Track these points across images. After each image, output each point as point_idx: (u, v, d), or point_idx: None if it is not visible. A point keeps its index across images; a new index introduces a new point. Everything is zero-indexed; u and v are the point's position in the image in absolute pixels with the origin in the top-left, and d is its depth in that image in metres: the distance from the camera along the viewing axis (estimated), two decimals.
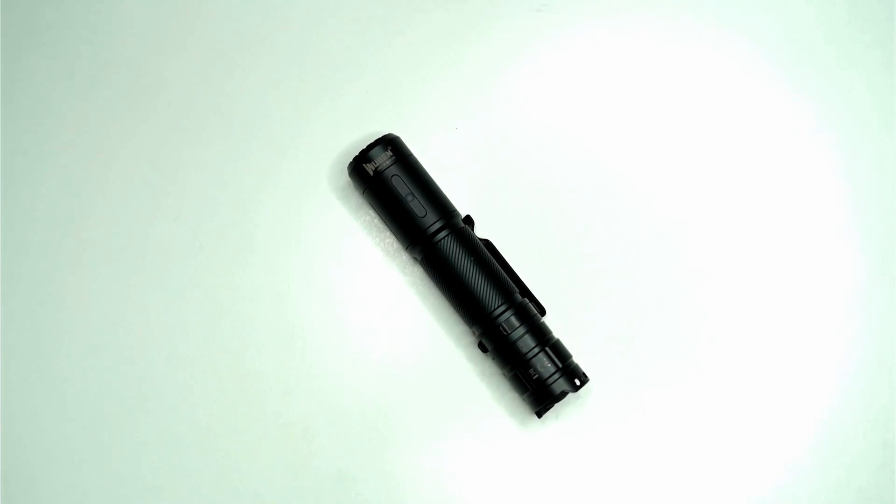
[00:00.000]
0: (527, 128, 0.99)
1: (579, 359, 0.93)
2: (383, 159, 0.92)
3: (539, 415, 0.91)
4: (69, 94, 0.99)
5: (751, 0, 1.03)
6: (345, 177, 0.97)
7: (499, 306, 0.91)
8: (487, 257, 0.93)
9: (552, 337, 0.92)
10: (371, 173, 0.92)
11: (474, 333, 0.94)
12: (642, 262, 0.97)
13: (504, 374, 0.92)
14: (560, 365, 0.90)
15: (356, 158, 0.93)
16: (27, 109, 0.98)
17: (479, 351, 0.94)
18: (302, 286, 0.96)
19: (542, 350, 0.90)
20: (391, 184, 0.92)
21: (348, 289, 0.96)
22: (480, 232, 0.96)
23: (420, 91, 1.00)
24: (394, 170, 0.92)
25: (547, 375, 0.90)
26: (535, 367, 0.90)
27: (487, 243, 0.94)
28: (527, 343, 0.90)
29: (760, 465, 0.94)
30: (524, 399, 0.92)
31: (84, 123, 0.98)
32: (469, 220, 0.95)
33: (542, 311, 0.94)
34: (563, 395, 0.90)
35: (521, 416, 0.94)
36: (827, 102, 1.01)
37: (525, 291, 0.94)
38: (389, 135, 0.94)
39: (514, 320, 0.91)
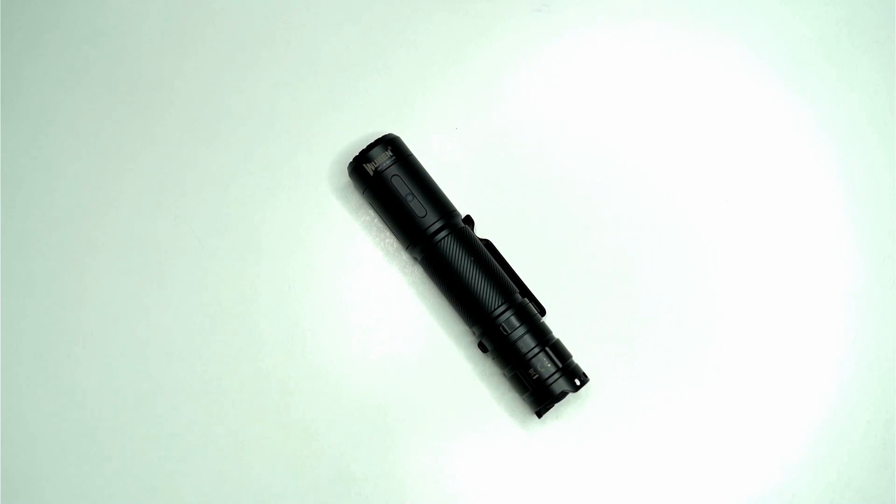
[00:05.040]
0: (527, 127, 0.99)
1: (579, 359, 0.93)
2: (383, 159, 0.92)
3: (539, 415, 0.91)
4: (71, 95, 0.99)
5: (750, 2, 1.03)
6: (345, 177, 0.97)
7: (499, 306, 0.91)
8: (487, 257, 0.93)
9: (552, 337, 0.92)
10: (371, 173, 0.92)
11: (474, 333, 0.94)
12: (642, 262, 0.97)
13: (504, 374, 0.92)
14: (560, 365, 0.90)
15: (356, 158, 0.93)
16: (30, 111, 0.98)
17: (479, 351, 0.94)
18: (302, 286, 0.96)
19: (542, 350, 0.90)
20: (391, 184, 0.92)
21: (348, 289, 0.96)
22: (480, 232, 0.96)
23: (420, 91, 1.00)
24: (394, 170, 0.92)
25: (547, 375, 0.90)
26: (535, 367, 0.90)
27: (487, 243, 0.94)
28: (527, 343, 0.90)
29: (760, 466, 0.94)
30: (524, 399, 0.92)
31: (85, 123, 0.98)
32: (469, 220, 0.95)
33: (542, 311, 0.94)
34: (563, 395, 0.90)
35: (521, 416, 0.94)
36: (826, 104, 1.01)
37: (525, 291, 0.94)
38: (389, 135, 0.94)
39: (514, 320, 0.91)
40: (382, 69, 1.00)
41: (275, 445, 0.93)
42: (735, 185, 0.99)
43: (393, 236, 0.96)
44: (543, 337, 0.91)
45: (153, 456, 0.93)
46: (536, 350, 0.90)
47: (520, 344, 0.90)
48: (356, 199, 0.97)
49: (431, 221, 0.92)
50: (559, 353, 0.91)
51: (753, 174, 0.99)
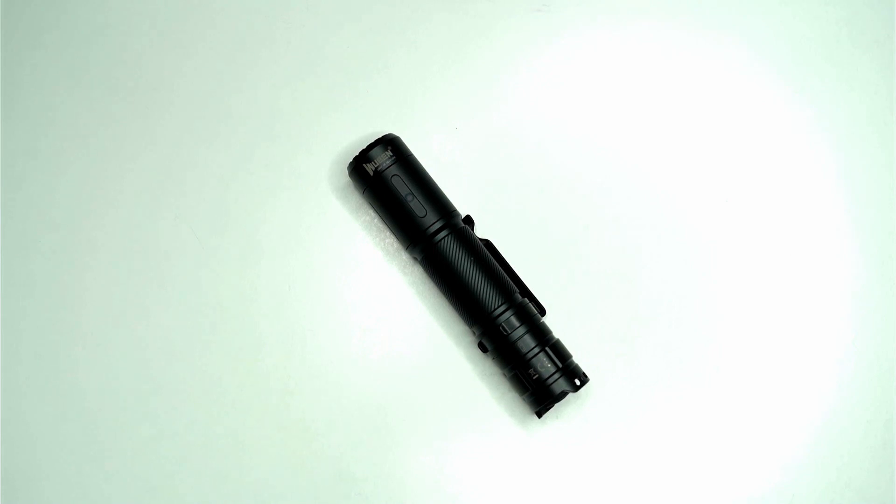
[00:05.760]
0: (527, 127, 0.99)
1: (579, 359, 0.93)
2: (383, 159, 0.92)
3: (539, 415, 0.91)
4: (71, 95, 0.99)
5: (750, 2, 1.03)
6: (345, 177, 0.97)
7: (499, 306, 0.91)
8: (487, 257, 0.93)
9: (552, 337, 0.92)
10: (371, 173, 0.92)
11: (474, 333, 0.94)
12: (642, 262, 0.97)
13: (504, 374, 0.92)
14: (560, 365, 0.90)
15: (356, 158, 0.93)
16: (30, 111, 0.98)
17: (479, 351, 0.94)
18: (302, 286, 0.96)
19: (542, 350, 0.90)
20: (391, 184, 0.92)
21: (348, 289, 0.96)
22: (480, 232, 0.96)
23: (420, 91, 1.00)
24: (394, 170, 0.92)
25: (547, 375, 0.90)
26: (535, 367, 0.90)
27: (487, 243, 0.94)
28: (527, 343, 0.90)
29: (760, 466, 0.94)
30: (524, 399, 0.92)
31: (85, 123, 0.98)
32: (469, 220, 0.95)
33: (542, 311, 0.94)
34: (563, 395, 0.90)
35: (521, 416, 0.94)
36: (826, 104, 1.01)
37: (525, 291, 0.94)
38: (389, 135, 0.94)
39: (514, 320, 0.91)
40: (382, 69, 1.00)
41: (275, 445, 0.93)
42: (735, 185, 0.99)
43: (393, 236, 0.96)
44: (543, 337, 0.91)
45: (153, 456, 0.93)
46: (536, 350, 0.90)
47: (520, 344, 0.90)
48: (356, 199, 0.97)
49: (431, 221, 0.92)
50: (559, 353, 0.91)
51: (753, 174, 0.99)
